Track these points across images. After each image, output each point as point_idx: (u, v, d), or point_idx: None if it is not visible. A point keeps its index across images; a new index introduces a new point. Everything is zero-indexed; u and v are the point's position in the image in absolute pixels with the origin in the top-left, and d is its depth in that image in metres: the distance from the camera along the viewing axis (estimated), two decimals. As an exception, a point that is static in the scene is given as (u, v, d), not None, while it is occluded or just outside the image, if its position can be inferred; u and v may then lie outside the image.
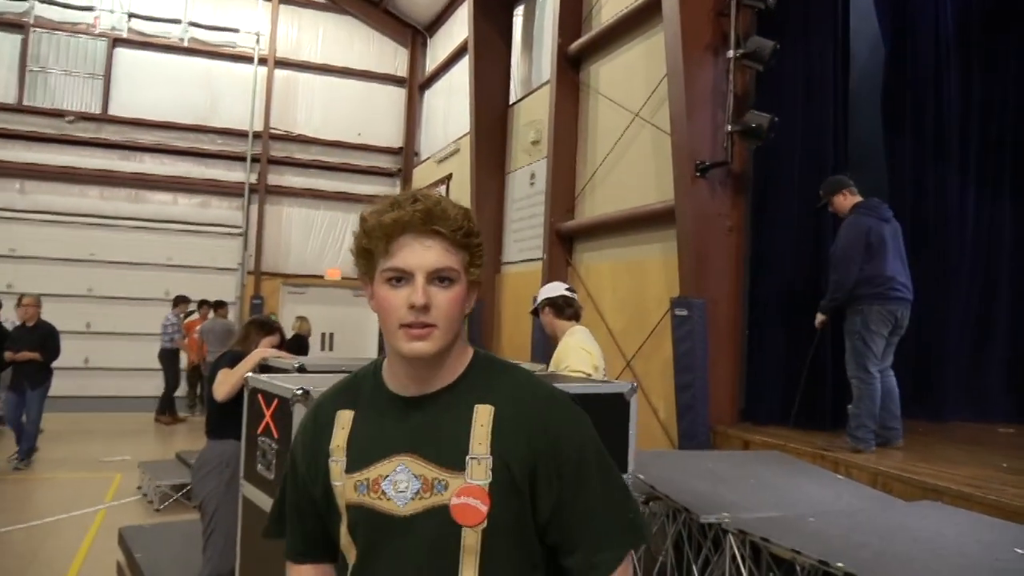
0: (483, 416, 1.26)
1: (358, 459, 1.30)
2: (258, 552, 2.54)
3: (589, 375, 3.60)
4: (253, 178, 14.13)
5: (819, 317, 5.20)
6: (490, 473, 1.23)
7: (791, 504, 3.87)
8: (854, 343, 4.92)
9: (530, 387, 1.33)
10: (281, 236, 14.41)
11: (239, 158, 14.11)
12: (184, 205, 13.80)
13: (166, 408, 11.15)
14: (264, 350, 3.67)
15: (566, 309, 4.05)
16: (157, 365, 11.25)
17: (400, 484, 1.25)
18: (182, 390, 11.94)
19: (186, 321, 11.45)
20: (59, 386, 8.41)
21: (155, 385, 11.42)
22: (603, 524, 1.28)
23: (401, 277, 1.24)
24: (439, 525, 1.23)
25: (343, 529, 1.31)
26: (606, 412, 2.93)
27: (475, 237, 1.29)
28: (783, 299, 6.02)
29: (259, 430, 2.48)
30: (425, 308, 1.22)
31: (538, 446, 1.25)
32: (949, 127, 6.73)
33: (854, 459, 4.65)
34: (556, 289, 4.18)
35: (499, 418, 1.26)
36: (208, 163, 13.95)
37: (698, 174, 6.10)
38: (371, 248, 1.26)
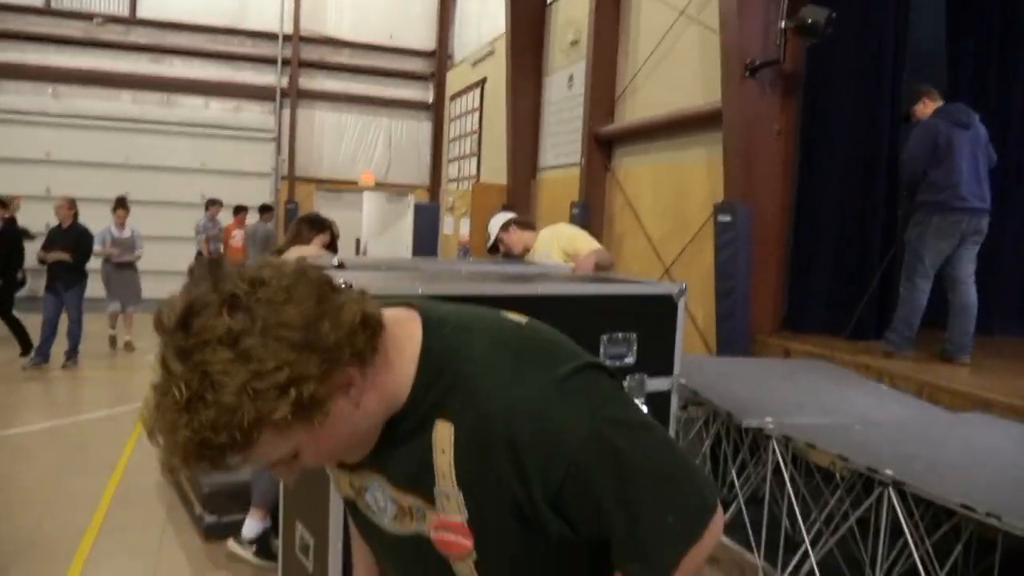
0: (442, 439, 0.95)
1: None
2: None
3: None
4: (284, 82, 13.92)
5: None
6: (463, 509, 0.96)
7: (836, 412, 3.80)
8: (909, 252, 4.87)
9: (500, 398, 0.93)
10: (314, 141, 14.28)
11: (270, 61, 13.87)
12: (216, 109, 13.69)
13: None
14: (304, 248, 3.60)
15: (528, 221, 4.72)
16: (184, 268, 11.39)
17: (379, 501, 1.05)
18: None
19: (224, 225, 11.46)
20: (101, 288, 8.57)
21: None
22: (645, 530, 0.93)
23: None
24: (427, 552, 1.02)
25: (350, 518, 1.20)
26: (652, 314, 2.85)
27: (271, 412, 0.82)
28: (831, 206, 5.81)
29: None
30: (302, 470, 0.96)
31: (508, 472, 0.92)
32: (1017, 33, 6.29)
33: (899, 370, 4.55)
34: (502, 217, 4.69)
35: (460, 439, 0.94)
36: (239, 66, 13.74)
37: (747, 74, 5.80)
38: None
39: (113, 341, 8.87)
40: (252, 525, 3.65)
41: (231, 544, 3.70)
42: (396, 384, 0.96)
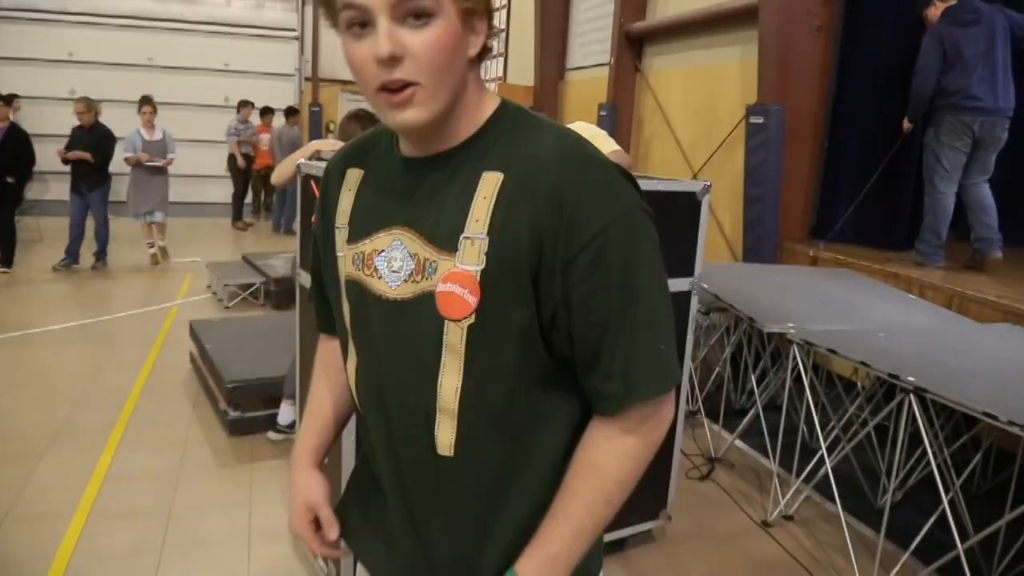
0: (488, 186, 0.95)
1: (359, 229, 1.07)
2: (316, 342, 2.54)
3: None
4: (307, -23, 13.47)
5: (905, 123, 4.99)
6: (483, 258, 0.94)
7: (861, 320, 3.73)
8: (926, 156, 4.83)
9: (558, 146, 0.96)
10: (337, 41, 13.73)
11: (291, -46, 13.40)
12: (238, 7, 13.33)
13: (236, 213, 11.27)
14: (320, 141, 3.54)
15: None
16: (220, 171, 11.37)
17: (394, 262, 1.01)
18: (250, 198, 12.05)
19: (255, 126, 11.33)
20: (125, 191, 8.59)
21: (221, 191, 11.62)
22: (624, 345, 0.96)
23: (364, 20, 0.89)
24: (425, 315, 0.98)
25: (345, 308, 1.11)
26: (675, 213, 2.77)
27: None
28: (871, 110, 5.57)
29: (313, 218, 2.40)
30: (394, 60, 0.88)
31: (544, 221, 0.92)
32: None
33: (929, 279, 4.45)
34: None
35: (507, 188, 0.95)
36: (260, -39, 13.31)
37: (789, -35, 5.48)
38: None
39: (156, 258, 8.26)
40: (286, 412, 3.84)
41: (270, 434, 3.91)
42: (472, 110, 0.99)
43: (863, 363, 2.89)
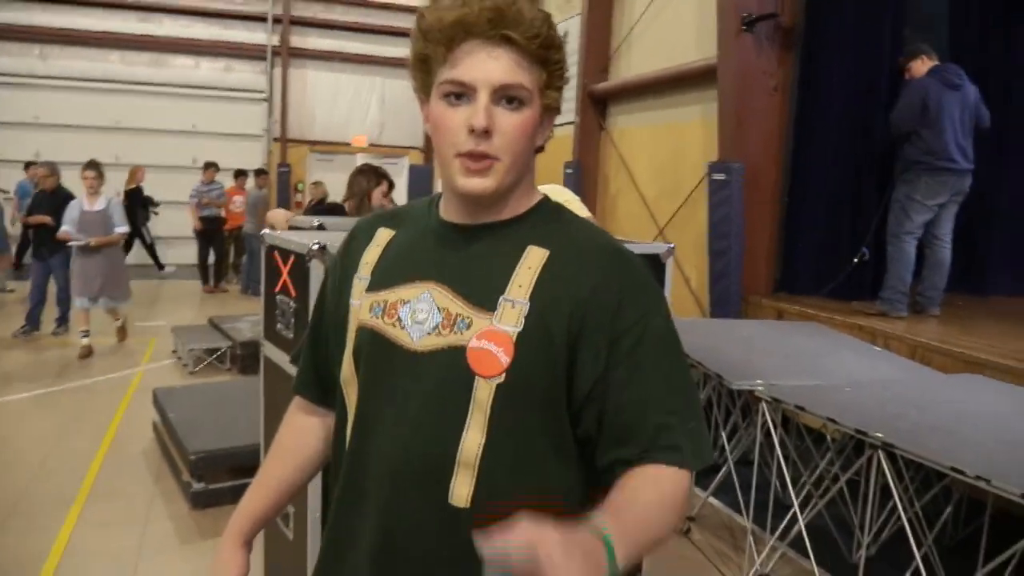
0: (534, 258, 1.03)
1: (382, 279, 1.10)
2: (282, 414, 2.50)
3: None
4: (275, 40, 13.65)
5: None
6: (522, 320, 1.00)
7: (827, 374, 3.76)
8: (895, 210, 4.96)
9: (599, 238, 1.10)
10: (306, 101, 14.05)
11: (260, 18, 13.58)
12: (207, 69, 13.45)
13: (203, 277, 10.99)
14: (285, 213, 3.56)
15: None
16: (187, 233, 11.26)
17: (419, 314, 1.04)
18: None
19: (226, 189, 11.21)
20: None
21: (189, 253, 11.48)
22: (666, 418, 1.00)
23: (461, 93, 0.99)
24: (451, 369, 1.01)
25: (347, 356, 1.12)
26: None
27: (556, 51, 1.03)
28: (827, 165, 5.72)
29: (276, 288, 2.38)
30: (486, 133, 0.98)
31: (591, 302, 1.01)
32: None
33: (892, 331, 4.52)
34: None
35: (552, 264, 1.03)
36: (229, 24, 13.48)
37: (744, 28, 5.67)
38: (428, 54, 1.03)
39: (85, 350, 6.74)
40: None
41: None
42: (525, 193, 1.09)
43: (830, 419, 2.91)
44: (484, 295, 1.02)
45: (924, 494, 3.64)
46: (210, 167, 11.04)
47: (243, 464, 3.77)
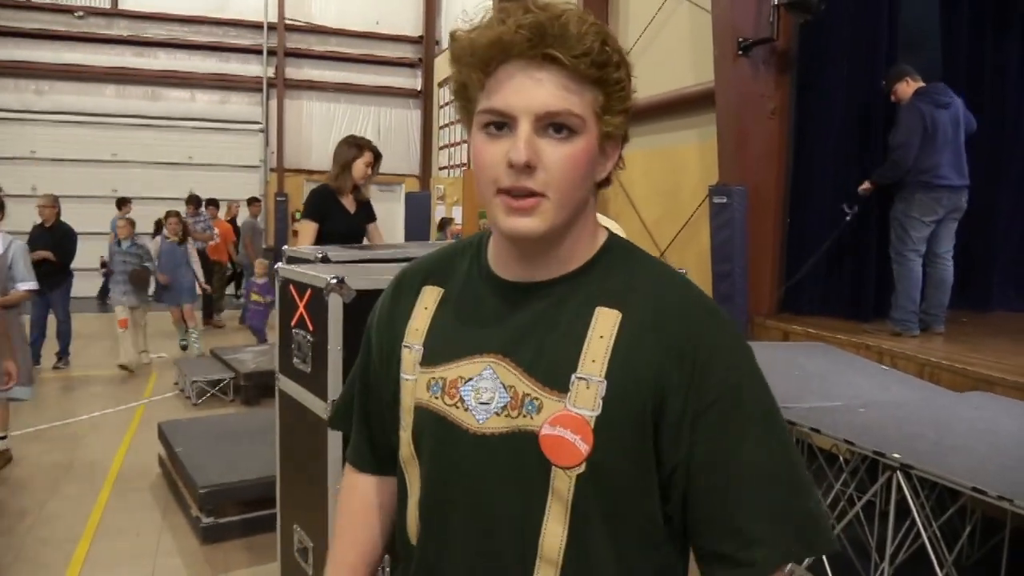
0: (605, 324, 0.90)
1: (438, 351, 0.98)
2: (298, 450, 2.48)
3: None
4: (271, 72, 13.76)
5: (865, 184, 5.15)
6: (600, 403, 0.88)
7: (838, 395, 3.75)
8: (895, 228, 5.01)
9: (679, 289, 0.94)
10: (302, 131, 14.14)
11: (255, 51, 13.70)
12: (202, 102, 13.55)
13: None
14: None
15: None
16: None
17: (484, 393, 0.93)
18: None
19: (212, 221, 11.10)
20: (90, 287, 8.46)
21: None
22: (762, 503, 0.87)
23: (502, 123, 0.87)
24: (523, 455, 0.90)
25: (404, 436, 1.01)
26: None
27: (614, 69, 0.88)
28: (827, 185, 5.75)
29: (293, 322, 2.37)
30: (528, 168, 0.86)
31: (674, 371, 0.88)
32: (1011, 7, 6.21)
33: (900, 349, 4.52)
34: None
35: (626, 329, 0.90)
36: (224, 57, 13.60)
37: (740, 52, 5.73)
38: (465, 81, 0.91)
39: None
40: None
41: None
42: (587, 235, 0.96)
43: (847, 441, 2.90)
44: (553, 370, 0.90)
45: (939, 513, 3.62)
46: (191, 202, 10.45)
47: (252, 497, 3.75)
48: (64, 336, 7.63)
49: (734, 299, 5.68)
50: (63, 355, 7.66)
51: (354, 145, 4.03)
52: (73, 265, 7.67)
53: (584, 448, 0.88)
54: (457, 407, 0.95)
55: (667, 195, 7.21)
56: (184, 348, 8.51)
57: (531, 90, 0.85)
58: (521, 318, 0.94)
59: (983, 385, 3.88)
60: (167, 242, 8.22)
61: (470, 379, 0.94)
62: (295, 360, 2.39)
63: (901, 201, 4.97)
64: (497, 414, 0.92)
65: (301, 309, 2.31)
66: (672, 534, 0.94)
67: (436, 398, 0.97)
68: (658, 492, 0.91)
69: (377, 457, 1.13)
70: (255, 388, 6.28)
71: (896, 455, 2.70)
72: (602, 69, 0.87)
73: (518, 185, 0.87)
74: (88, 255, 8.05)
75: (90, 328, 8.68)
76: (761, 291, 5.86)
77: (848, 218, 5.29)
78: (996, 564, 3.14)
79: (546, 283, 0.95)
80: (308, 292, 2.27)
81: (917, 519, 2.83)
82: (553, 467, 0.89)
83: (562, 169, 0.87)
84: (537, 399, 0.90)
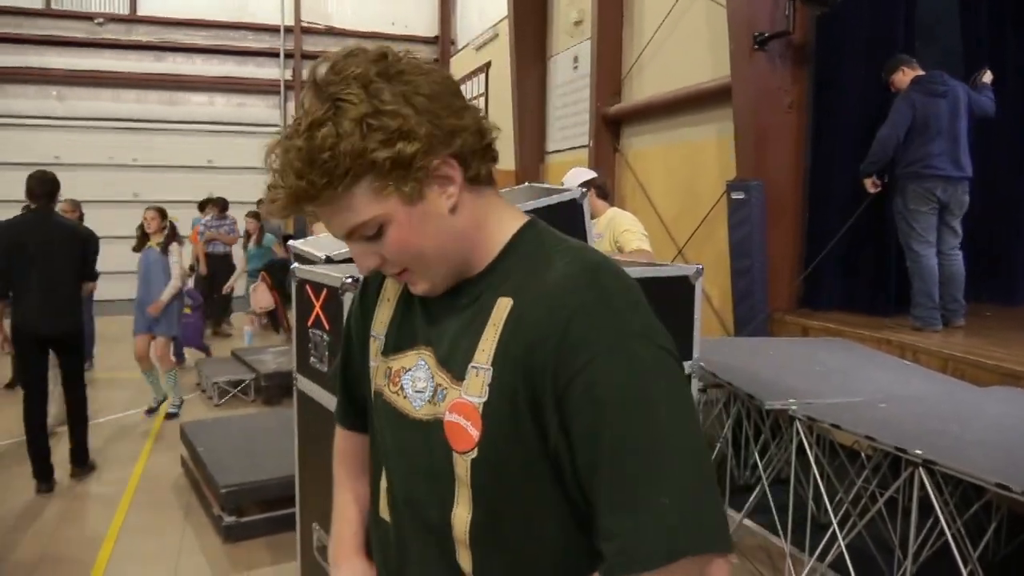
0: (499, 313, 0.93)
1: (391, 343, 1.07)
2: (316, 449, 2.49)
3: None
4: (288, 75, 13.83)
5: (869, 185, 5.10)
6: (486, 390, 0.91)
7: (859, 390, 3.71)
8: (899, 223, 4.97)
9: (564, 272, 0.91)
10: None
11: (272, 54, 13.79)
12: (221, 105, 13.65)
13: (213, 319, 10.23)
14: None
15: (606, 190, 4.39)
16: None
17: (419, 382, 1.00)
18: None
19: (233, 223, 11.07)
20: (113, 290, 8.55)
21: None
22: (624, 499, 0.82)
23: None
24: (437, 442, 0.96)
25: (373, 419, 1.12)
26: (669, 297, 2.78)
27: (365, 155, 0.85)
28: (845, 179, 5.68)
29: (309, 322, 2.39)
30: (379, 268, 0.96)
31: (538, 351, 0.87)
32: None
33: (922, 344, 4.46)
34: (584, 173, 4.41)
35: (513, 315, 0.91)
36: (242, 61, 13.68)
37: (756, 46, 5.68)
38: None
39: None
40: None
41: None
42: (486, 241, 0.98)
43: (868, 437, 2.87)
44: (457, 362, 0.95)
45: (963, 509, 3.57)
46: (213, 202, 10.41)
47: (274, 496, 3.78)
48: (88, 338, 7.72)
49: (754, 295, 5.64)
50: (87, 357, 7.75)
51: None
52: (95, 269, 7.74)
53: (475, 433, 0.92)
54: (399, 395, 1.03)
55: (685, 191, 7.17)
56: (153, 409, 6.31)
57: (328, 224, 0.93)
58: (442, 311, 1.00)
59: (1008, 380, 3.82)
60: (149, 250, 6.43)
61: (409, 369, 1.02)
62: (312, 359, 2.40)
63: (898, 195, 4.94)
64: (428, 402, 0.98)
65: (317, 309, 2.32)
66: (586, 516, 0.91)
67: (386, 385, 1.06)
68: (552, 473, 0.91)
69: (359, 418, 1.21)
70: (276, 388, 6.33)
71: (918, 451, 2.66)
72: (338, 173, 0.86)
73: (388, 272, 0.98)
74: (115, 258, 8.10)
75: (117, 329, 8.77)
76: (780, 287, 5.81)
77: (879, 189, 5.08)
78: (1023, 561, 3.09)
79: (464, 282, 0.99)
80: (324, 292, 2.28)
81: (940, 516, 2.80)
82: (453, 452, 0.94)
83: (398, 254, 0.94)
84: (445, 388, 0.96)
